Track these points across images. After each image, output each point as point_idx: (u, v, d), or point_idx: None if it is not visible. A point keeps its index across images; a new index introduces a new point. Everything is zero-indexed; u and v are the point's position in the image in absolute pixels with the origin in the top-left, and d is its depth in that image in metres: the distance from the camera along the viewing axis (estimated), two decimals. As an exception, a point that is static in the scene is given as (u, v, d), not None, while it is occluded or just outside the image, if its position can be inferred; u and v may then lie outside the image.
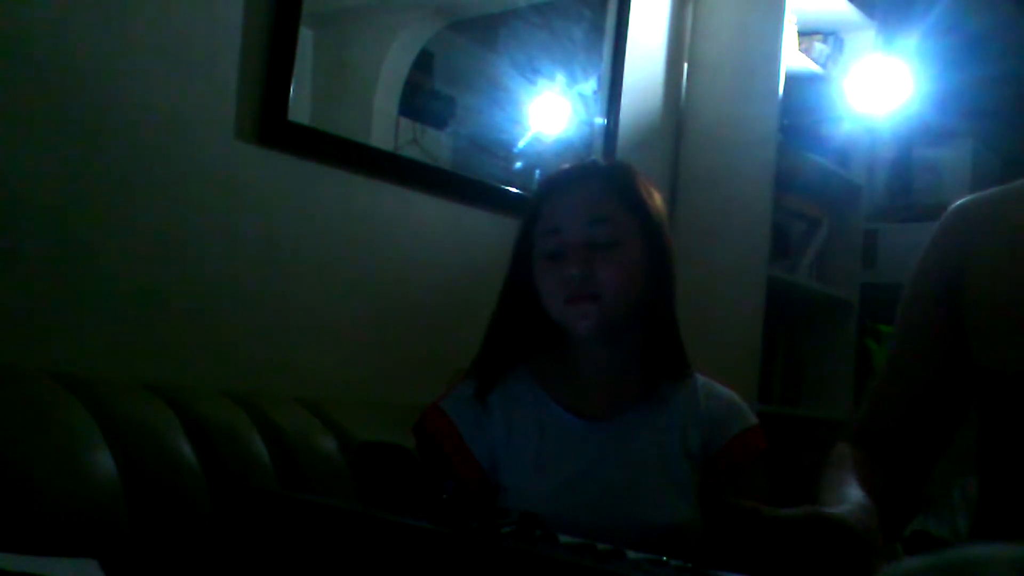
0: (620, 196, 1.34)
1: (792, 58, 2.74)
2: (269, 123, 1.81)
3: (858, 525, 0.93)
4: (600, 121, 2.54)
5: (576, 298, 1.30)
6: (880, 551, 0.92)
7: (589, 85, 2.52)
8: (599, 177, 1.37)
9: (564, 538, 0.73)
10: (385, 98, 2.08)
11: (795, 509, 0.89)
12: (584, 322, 1.31)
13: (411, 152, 2.10)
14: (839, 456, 1.18)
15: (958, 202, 1.25)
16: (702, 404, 1.36)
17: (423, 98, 2.15)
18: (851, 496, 1.02)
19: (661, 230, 1.36)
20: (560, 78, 2.44)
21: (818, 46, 2.90)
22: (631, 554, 0.71)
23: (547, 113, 2.41)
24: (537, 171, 2.36)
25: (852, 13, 2.91)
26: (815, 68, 2.87)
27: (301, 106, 1.86)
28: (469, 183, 2.19)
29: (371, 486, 0.81)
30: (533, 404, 1.33)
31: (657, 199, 1.38)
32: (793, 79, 2.76)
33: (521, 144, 2.35)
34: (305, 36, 1.86)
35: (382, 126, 2.06)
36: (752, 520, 0.87)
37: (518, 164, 2.34)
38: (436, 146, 2.16)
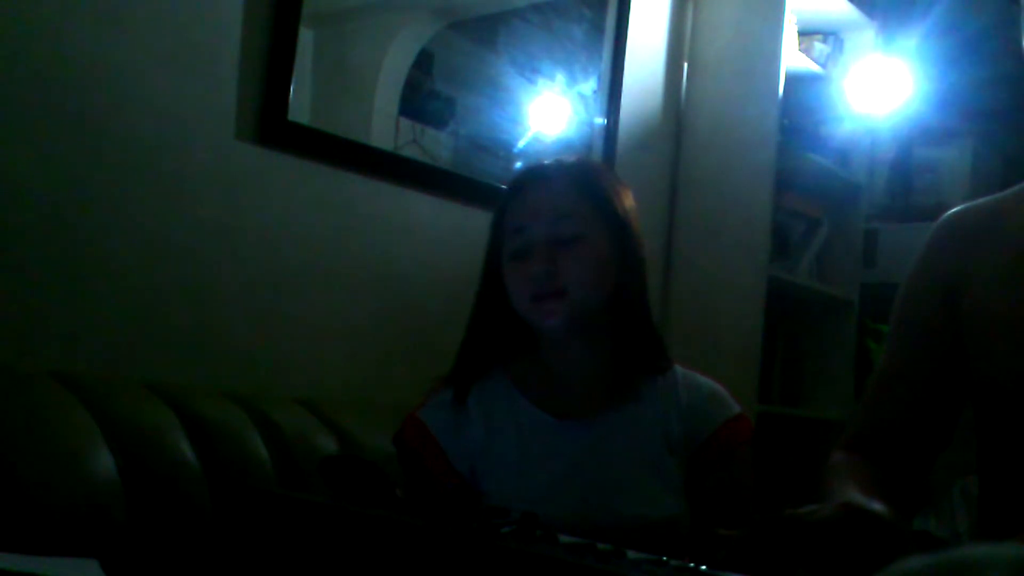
0: (583, 191, 1.34)
1: (792, 58, 2.74)
2: (269, 123, 1.81)
3: (890, 516, 0.92)
4: (600, 121, 2.54)
5: (541, 296, 1.30)
6: (911, 542, 0.92)
7: (589, 85, 2.52)
8: (562, 174, 1.36)
9: (564, 538, 0.72)
10: (385, 98, 2.08)
11: (828, 506, 0.89)
12: (550, 319, 1.30)
13: (411, 152, 2.09)
14: (835, 465, 1.18)
15: (951, 211, 1.24)
16: (683, 396, 1.35)
17: (423, 98, 2.15)
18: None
19: (628, 223, 1.35)
20: (560, 78, 2.44)
21: (818, 46, 2.90)
22: (631, 554, 0.71)
23: (547, 113, 2.41)
24: (537, 171, 2.36)
25: (852, 13, 2.91)
26: (815, 68, 2.87)
27: (301, 106, 1.86)
28: (469, 183, 2.18)
29: (339, 497, 0.81)
30: (510, 406, 1.33)
31: (624, 194, 1.38)
32: (793, 79, 2.76)
33: (521, 144, 2.35)
34: (305, 36, 1.85)
35: (382, 126, 2.06)
36: (793, 527, 0.86)
37: (518, 164, 2.34)
38: (436, 146, 2.16)
